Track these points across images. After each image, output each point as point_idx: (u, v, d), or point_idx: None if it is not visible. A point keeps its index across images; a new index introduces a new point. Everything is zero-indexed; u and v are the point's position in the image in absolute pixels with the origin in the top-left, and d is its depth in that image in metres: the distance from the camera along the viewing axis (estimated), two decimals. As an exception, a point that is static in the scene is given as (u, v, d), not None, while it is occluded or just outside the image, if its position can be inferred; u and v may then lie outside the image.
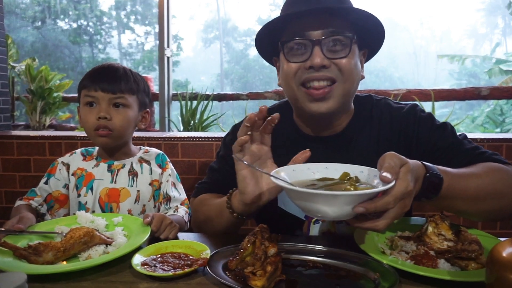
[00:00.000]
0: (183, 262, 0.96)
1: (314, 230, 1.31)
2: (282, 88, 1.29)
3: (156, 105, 5.39)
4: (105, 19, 28.02)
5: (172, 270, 0.92)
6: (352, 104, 1.31)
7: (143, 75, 1.78)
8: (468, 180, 1.06)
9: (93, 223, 1.20)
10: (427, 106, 4.28)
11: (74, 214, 1.29)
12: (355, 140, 1.30)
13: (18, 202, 1.50)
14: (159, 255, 1.00)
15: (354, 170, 0.94)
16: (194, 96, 4.83)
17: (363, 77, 1.26)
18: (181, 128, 4.78)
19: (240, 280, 0.87)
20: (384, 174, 0.82)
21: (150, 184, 1.59)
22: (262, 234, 0.95)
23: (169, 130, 5.08)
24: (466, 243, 0.97)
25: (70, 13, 25.74)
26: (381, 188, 0.81)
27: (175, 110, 5.38)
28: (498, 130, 10.54)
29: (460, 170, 1.08)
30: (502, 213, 1.12)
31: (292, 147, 1.20)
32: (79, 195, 1.56)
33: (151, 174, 1.60)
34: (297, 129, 1.35)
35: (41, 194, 1.55)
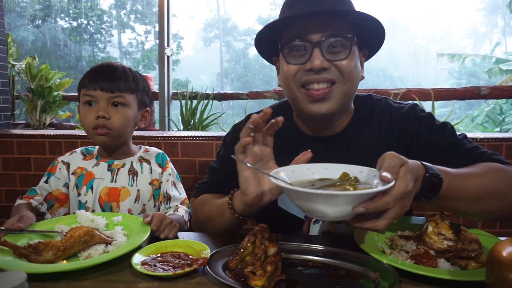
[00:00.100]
0: (183, 262, 0.96)
1: (314, 229, 1.31)
2: (282, 88, 1.29)
3: (156, 104, 5.38)
4: (105, 18, 28.00)
5: (172, 270, 0.92)
6: (352, 104, 1.31)
7: (143, 74, 1.77)
8: (468, 180, 1.05)
9: (93, 222, 1.20)
10: (427, 105, 4.28)
11: (74, 213, 1.29)
12: (355, 140, 1.30)
13: (18, 201, 1.49)
14: (159, 255, 1.00)
15: (354, 170, 0.93)
16: (194, 96, 4.83)
17: (363, 78, 1.26)
18: (181, 127, 4.78)
19: (240, 280, 0.87)
20: (384, 174, 0.82)
21: (150, 183, 1.59)
22: (262, 234, 0.95)
23: (169, 130, 5.08)
24: (466, 242, 0.97)
25: (71, 11, 25.70)
26: (381, 188, 0.81)
27: (175, 109, 5.38)
28: (498, 129, 10.54)
29: (460, 170, 1.08)
30: (502, 213, 1.12)
31: (292, 147, 1.20)
32: (79, 194, 1.56)
33: (151, 173, 1.60)
34: (297, 129, 1.35)
35: (41, 193, 1.55)
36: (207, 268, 0.91)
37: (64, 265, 1.00)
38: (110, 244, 1.09)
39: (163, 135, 2.45)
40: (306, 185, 0.91)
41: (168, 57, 5.17)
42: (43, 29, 25.72)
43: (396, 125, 1.29)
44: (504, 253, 0.66)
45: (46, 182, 1.57)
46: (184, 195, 1.61)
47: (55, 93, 5.72)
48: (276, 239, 0.96)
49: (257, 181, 1.07)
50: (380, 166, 0.86)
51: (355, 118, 1.32)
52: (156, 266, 0.94)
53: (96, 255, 1.04)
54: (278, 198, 1.31)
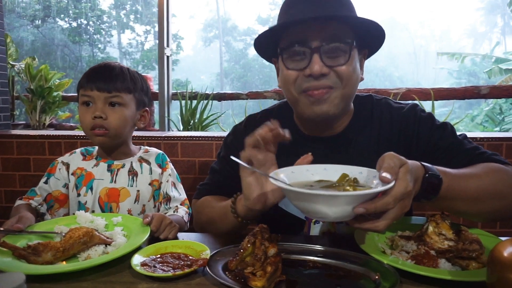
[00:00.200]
0: (182, 263, 0.96)
1: (315, 230, 1.31)
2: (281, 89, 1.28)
3: (155, 105, 5.38)
4: (105, 18, 28.00)
5: (171, 271, 0.92)
6: (352, 104, 1.31)
7: (143, 74, 1.77)
8: (468, 180, 1.05)
9: (92, 223, 1.19)
10: (426, 105, 4.28)
11: (74, 214, 1.28)
12: (355, 140, 1.30)
13: (18, 202, 1.49)
14: (159, 256, 1.00)
15: (353, 171, 0.93)
16: (194, 96, 4.83)
17: (362, 79, 1.25)
18: (181, 127, 4.78)
19: (240, 281, 0.86)
20: (384, 174, 0.82)
21: (150, 184, 1.58)
22: (262, 235, 0.95)
23: (168, 130, 5.08)
24: (467, 242, 0.96)
25: (70, 12, 25.71)
26: (380, 188, 0.81)
27: (174, 110, 5.38)
28: (497, 129, 10.54)
29: (460, 171, 1.08)
30: (502, 213, 1.12)
31: (292, 147, 1.20)
32: (78, 195, 1.55)
33: (151, 174, 1.60)
34: (298, 130, 1.35)
35: (41, 194, 1.55)
36: (207, 269, 0.91)
37: (63, 266, 0.99)
38: (109, 245, 1.09)
39: (163, 135, 2.44)
40: (306, 186, 0.90)
41: (167, 57, 5.17)
42: (43, 30, 25.73)
43: (396, 125, 1.29)
44: (505, 254, 0.66)
45: (45, 182, 1.57)
46: (184, 195, 1.61)
47: (55, 94, 5.72)
48: (276, 239, 0.95)
49: (260, 186, 1.06)
50: (380, 166, 0.86)
51: (355, 118, 1.32)
52: (155, 267, 0.94)
53: (95, 256, 1.04)
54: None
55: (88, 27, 27.06)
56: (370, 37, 1.24)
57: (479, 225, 2.17)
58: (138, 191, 1.56)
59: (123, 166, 1.59)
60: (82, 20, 26.46)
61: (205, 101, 4.72)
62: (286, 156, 1.07)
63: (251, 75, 31.92)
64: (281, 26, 1.17)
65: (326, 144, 1.30)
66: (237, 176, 1.08)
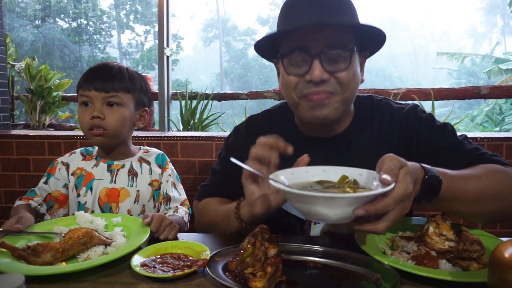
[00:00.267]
0: (182, 263, 0.96)
1: (315, 230, 1.30)
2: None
3: (155, 105, 5.38)
4: (104, 18, 28.00)
5: (171, 271, 0.91)
6: (352, 105, 1.31)
7: (143, 74, 1.76)
8: (467, 181, 1.05)
9: (92, 223, 1.19)
10: (426, 105, 4.28)
11: (74, 214, 1.28)
12: (355, 141, 1.29)
13: (18, 202, 1.49)
14: (159, 256, 1.00)
15: (353, 173, 0.93)
16: (194, 96, 4.82)
17: (362, 81, 1.25)
18: (181, 127, 4.77)
19: (240, 282, 0.86)
20: (384, 176, 0.82)
21: (149, 184, 1.58)
22: (262, 235, 0.94)
23: (168, 130, 5.07)
24: (467, 243, 0.96)
25: (70, 12, 25.70)
26: (380, 190, 0.81)
27: (174, 110, 5.38)
28: (497, 129, 10.54)
29: (460, 172, 1.08)
30: (502, 214, 1.12)
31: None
32: (78, 195, 1.55)
33: (151, 174, 1.59)
34: (298, 131, 1.34)
35: (40, 194, 1.54)
36: (207, 269, 0.90)
37: (63, 267, 0.99)
38: (109, 245, 1.09)
39: (163, 135, 2.44)
40: (305, 188, 0.90)
41: (167, 57, 5.17)
42: (43, 30, 25.72)
43: (397, 126, 1.28)
44: (507, 255, 0.65)
45: (45, 183, 1.57)
46: (184, 196, 1.61)
47: (55, 94, 5.72)
48: (276, 240, 0.95)
49: (263, 192, 1.06)
50: (380, 168, 0.86)
51: (356, 119, 1.32)
52: (155, 267, 0.93)
53: (95, 256, 1.04)
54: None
55: (88, 27, 27.05)
56: (371, 40, 1.24)
57: (479, 226, 2.16)
58: (138, 191, 1.56)
59: (123, 166, 1.58)
60: (82, 20, 26.45)
61: (205, 101, 4.72)
62: (287, 156, 1.07)
63: (251, 75, 31.92)
64: (281, 33, 1.17)
65: (327, 145, 1.30)
66: (238, 177, 1.08)
